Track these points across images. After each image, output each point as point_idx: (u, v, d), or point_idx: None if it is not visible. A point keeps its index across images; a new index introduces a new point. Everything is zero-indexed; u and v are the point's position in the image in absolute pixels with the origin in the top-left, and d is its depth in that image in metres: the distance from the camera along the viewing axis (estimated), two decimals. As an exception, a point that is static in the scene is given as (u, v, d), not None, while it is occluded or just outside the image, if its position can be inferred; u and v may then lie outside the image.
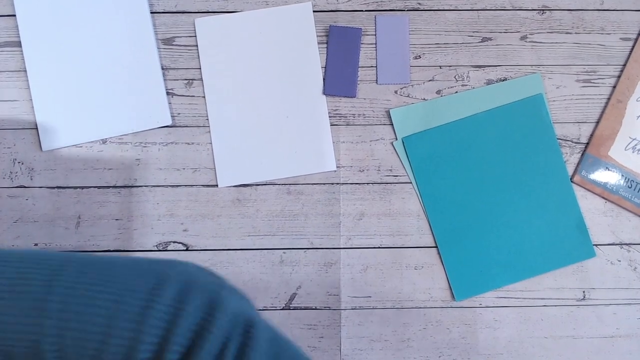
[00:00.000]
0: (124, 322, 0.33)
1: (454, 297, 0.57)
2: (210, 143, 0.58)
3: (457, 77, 0.59)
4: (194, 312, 0.33)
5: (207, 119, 0.58)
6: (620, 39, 0.59)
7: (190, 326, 0.33)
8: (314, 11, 0.59)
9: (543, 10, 0.59)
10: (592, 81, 0.59)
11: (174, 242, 0.57)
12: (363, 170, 0.58)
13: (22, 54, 0.57)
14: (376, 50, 0.59)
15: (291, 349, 0.35)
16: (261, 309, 0.57)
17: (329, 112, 0.58)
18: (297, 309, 0.57)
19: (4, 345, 0.32)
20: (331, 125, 0.58)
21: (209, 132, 0.58)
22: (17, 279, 0.33)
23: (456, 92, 0.59)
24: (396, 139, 0.58)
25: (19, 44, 0.57)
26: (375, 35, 0.59)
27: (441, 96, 0.59)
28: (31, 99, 0.57)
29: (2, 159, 0.57)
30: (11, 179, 0.56)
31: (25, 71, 0.57)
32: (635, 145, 0.58)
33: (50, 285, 0.33)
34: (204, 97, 0.58)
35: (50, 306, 0.32)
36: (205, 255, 0.57)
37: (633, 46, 0.59)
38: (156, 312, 0.33)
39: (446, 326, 0.57)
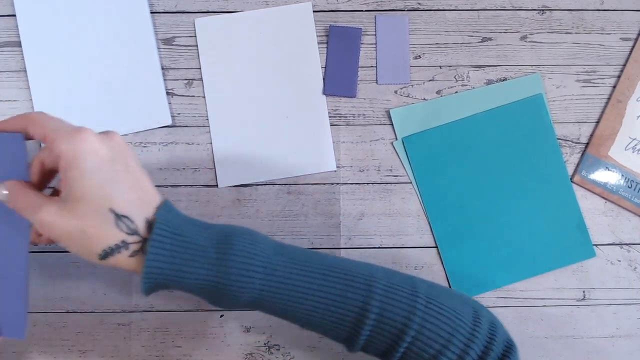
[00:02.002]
0: (460, 335, 0.42)
1: (454, 297, 0.57)
2: (210, 143, 0.58)
3: (457, 77, 0.59)
4: (501, 340, 0.43)
5: (207, 119, 0.58)
6: (620, 39, 0.59)
7: (498, 351, 0.43)
8: (314, 11, 0.59)
9: (543, 10, 0.59)
10: (592, 81, 0.59)
11: (174, 242, 0.57)
12: (363, 170, 0.58)
13: (22, 54, 0.57)
14: (376, 50, 0.59)
15: None
16: (261, 309, 0.57)
17: (329, 112, 0.58)
18: (297, 309, 0.57)
19: (387, 322, 0.41)
20: (331, 125, 0.58)
21: (209, 132, 0.58)
22: (391, 286, 0.42)
23: (456, 92, 0.59)
24: (396, 139, 0.58)
25: (19, 44, 0.57)
26: (375, 35, 0.59)
27: (441, 96, 0.59)
28: (31, 99, 0.57)
29: None
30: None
31: (25, 71, 0.57)
32: (635, 145, 0.58)
33: (414, 294, 0.42)
34: (204, 97, 0.58)
35: (418, 306, 0.42)
36: (205, 255, 0.57)
37: (633, 46, 0.59)
38: (480, 335, 0.42)
39: (446, 326, 0.57)
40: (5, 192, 0.40)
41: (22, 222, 0.41)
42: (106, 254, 0.39)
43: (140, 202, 0.40)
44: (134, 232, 0.39)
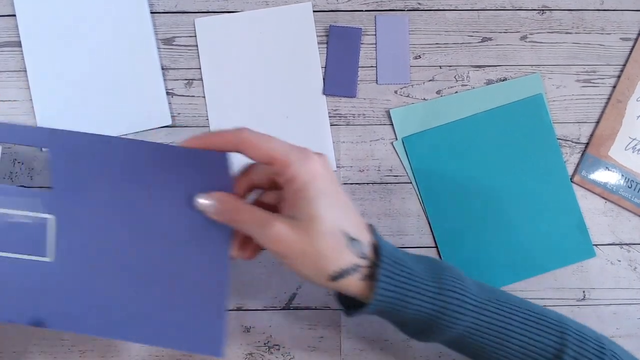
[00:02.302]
0: None
1: (454, 297, 0.57)
2: (210, 143, 0.58)
3: (457, 77, 0.59)
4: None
5: (207, 119, 0.58)
6: (620, 39, 0.59)
7: None
8: (314, 11, 0.59)
9: (543, 10, 0.59)
10: (592, 81, 0.59)
11: (174, 242, 0.57)
12: (363, 170, 0.58)
13: (22, 54, 0.57)
14: (376, 50, 0.59)
15: None
16: (261, 309, 0.57)
17: (329, 112, 0.58)
18: (297, 309, 0.57)
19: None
20: (331, 125, 0.58)
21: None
22: (583, 336, 0.42)
23: (456, 92, 0.59)
24: (396, 139, 0.58)
25: (19, 44, 0.57)
26: (375, 35, 0.59)
27: (441, 96, 0.59)
28: (31, 99, 0.57)
29: (2, 159, 0.57)
30: (11, 179, 0.56)
31: (25, 71, 0.57)
32: (635, 145, 0.58)
33: (602, 347, 0.42)
34: (204, 97, 0.58)
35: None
36: (205, 255, 0.57)
37: (633, 46, 0.59)
38: None
39: (446, 326, 0.57)
40: (209, 202, 0.40)
41: (220, 234, 0.40)
42: (339, 276, 0.38)
43: (359, 226, 0.40)
44: (364, 256, 0.39)
